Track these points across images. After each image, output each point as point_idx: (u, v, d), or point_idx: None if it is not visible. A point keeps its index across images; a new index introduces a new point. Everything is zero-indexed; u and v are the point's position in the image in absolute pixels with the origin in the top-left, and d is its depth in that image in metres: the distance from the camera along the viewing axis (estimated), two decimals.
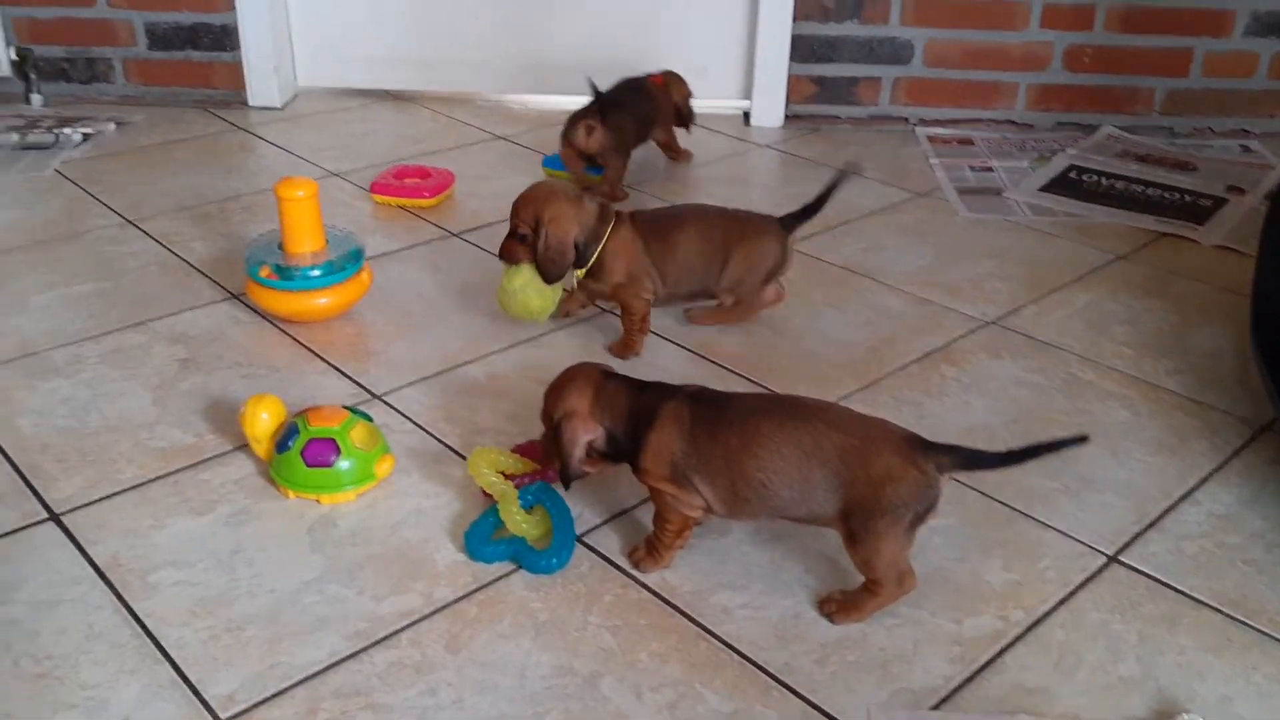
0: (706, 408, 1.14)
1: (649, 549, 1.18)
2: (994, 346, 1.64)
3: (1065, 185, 2.24)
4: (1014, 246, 1.98)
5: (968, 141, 2.48)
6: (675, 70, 2.26)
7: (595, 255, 1.54)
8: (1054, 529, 1.27)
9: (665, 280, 1.58)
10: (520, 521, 1.19)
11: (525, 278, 1.53)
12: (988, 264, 1.91)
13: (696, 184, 2.24)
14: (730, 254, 1.58)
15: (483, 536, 1.19)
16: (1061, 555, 1.23)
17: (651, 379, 1.21)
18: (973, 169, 2.33)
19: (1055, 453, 1.08)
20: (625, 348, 1.59)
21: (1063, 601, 1.16)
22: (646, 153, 2.36)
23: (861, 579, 1.12)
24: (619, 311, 1.62)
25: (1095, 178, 2.27)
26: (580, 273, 1.56)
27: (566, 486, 1.19)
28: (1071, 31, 2.45)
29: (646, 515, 1.25)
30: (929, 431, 1.41)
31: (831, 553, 1.21)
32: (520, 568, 1.18)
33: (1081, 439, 1.09)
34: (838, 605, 1.12)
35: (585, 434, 1.16)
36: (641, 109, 2.17)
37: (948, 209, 2.14)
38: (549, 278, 1.53)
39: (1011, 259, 1.93)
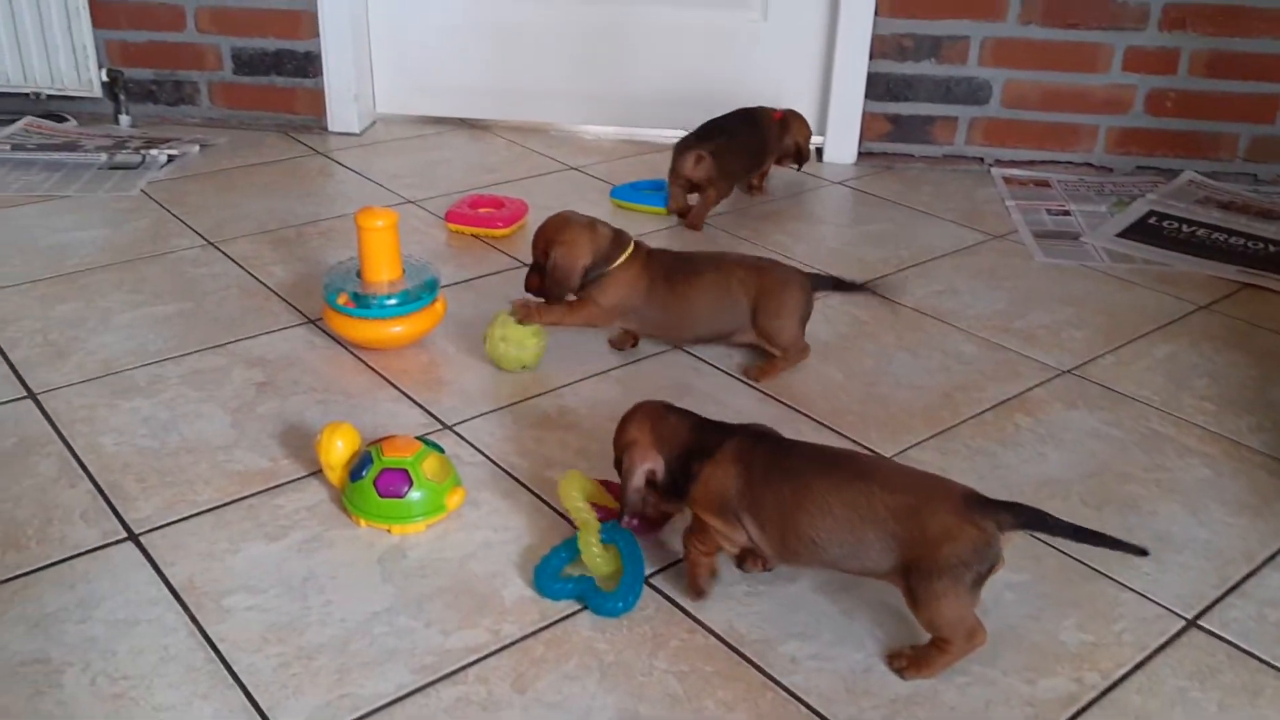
0: (765, 452, 1.14)
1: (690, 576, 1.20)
2: (1070, 396, 1.62)
3: (1145, 231, 2.20)
4: (1092, 293, 1.95)
5: (1044, 184, 2.46)
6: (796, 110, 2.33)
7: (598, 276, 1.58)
8: (1131, 589, 1.24)
9: (662, 320, 1.61)
10: (595, 554, 1.19)
11: (502, 328, 1.58)
12: (1064, 311, 1.88)
13: (768, 219, 2.23)
14: (755, 306, 1.60)
15: (552, 573, 1.19)
16: (1138, 617, 1.20)
17: (722, 418, 1.22)
18: (1049, 212, 2.30)
19: (1112, 549, 1.09)
20: (528, 316, 1.58)
21: (1139, 665, 1.14)
22: None
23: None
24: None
25: (1176, 224, 2.23)
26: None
27: (622, 516, 1.20)
28: (1155, 75, 2.42)
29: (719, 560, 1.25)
30: (1002, 483, 1.40)
31: (903, 605, 1.19)
32: (589, 608, 1.18)
33: (1142, 551, 1.10)
34: (908, 661, 1.11)
35: (644, 463, 1.18)
36: (753, 141, 2.22)
37: (1023, 253, 2.11)
38: (551, 296, 1.58)
39: (1089, 306, 1.90)
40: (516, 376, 1.62)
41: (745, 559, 1.23)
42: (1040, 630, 1.17)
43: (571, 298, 1.60)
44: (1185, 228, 2.22)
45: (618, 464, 1.22)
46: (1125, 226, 2.22)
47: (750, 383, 1.62)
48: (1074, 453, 1.48)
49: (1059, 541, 1.29)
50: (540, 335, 1.61)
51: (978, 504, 1.07)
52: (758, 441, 1.15)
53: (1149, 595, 1.23)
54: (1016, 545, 1.27)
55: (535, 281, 1.60)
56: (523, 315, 1.58)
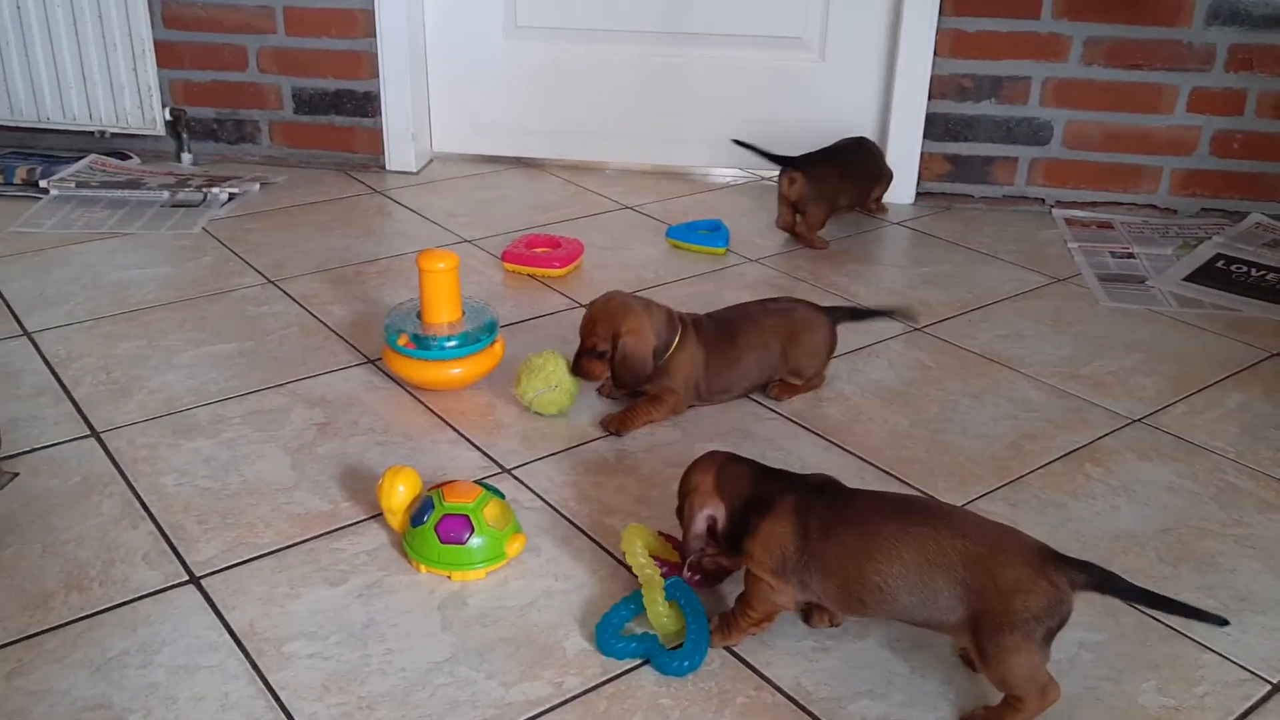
0: (827, 503, 1.11)
1: (724, 624, 1.17)
2: (1142, 447, 1.57)
3: (1212, 275, 2.16)
4: (1160, 339, 1.90)
5: (1107, 225, 2.41)
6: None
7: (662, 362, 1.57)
8: (1213, 650, 1.20)
9: (718, 386, 1.62)
10: (662, 613, 1.17)
11: (545, 381, 1.57)
12: (1132, 357, 1.84)
13: (826, 260, 2.21)
14: (785, 348, 1.63)
15: (614, 630, 1.17)
16: (1221, 681, 1.16)
17: (784, 465, 1.19)
18: (1113, 255, 2.26)
19: (1189, 617, 1.05)
20: (623, 424, 1.57)
21: None
22: (768, 222, 2.34)
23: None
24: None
25: (1245, 268, 2.18)
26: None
27: (683, 564, 1.19)
28: (1221, 116, 2.38)
29: (784, 615, 1.22)
30: (1075, 536, 1.36)
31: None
32: (653, 666, 1.15)
33: (1222, 621, 1.05)
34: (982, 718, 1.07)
35: (704, 508, 1.16)
36: (856, 165, 2.33)
37: (1088, 296, 2.08)
38: (625, 385, 1.57)
39: (1157, 352, 1.85)
40: (571, 419, 1.60)
41: (811, 613, 1.20)
42: (1119, 693, 1.13)
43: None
44: (1255, 271, 2.17)
45: (679, 511, 1.20)
46: (1192, 270, 2.18)
47: (813, 429, 1.60)
48: (1148, 506, 1.44)
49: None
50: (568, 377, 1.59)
51: (1051, 558, 1.04)
52: (816, 493, 1.13)
53: (1231, 658, 1.19)
54: (1094, 604, 1.24)
55: (598, 370, 1.57)
56: (618, 426, 1.57)
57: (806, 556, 1.09)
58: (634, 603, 1.19)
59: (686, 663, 1.13)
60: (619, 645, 1.15)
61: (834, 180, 2.25)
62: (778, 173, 2.26)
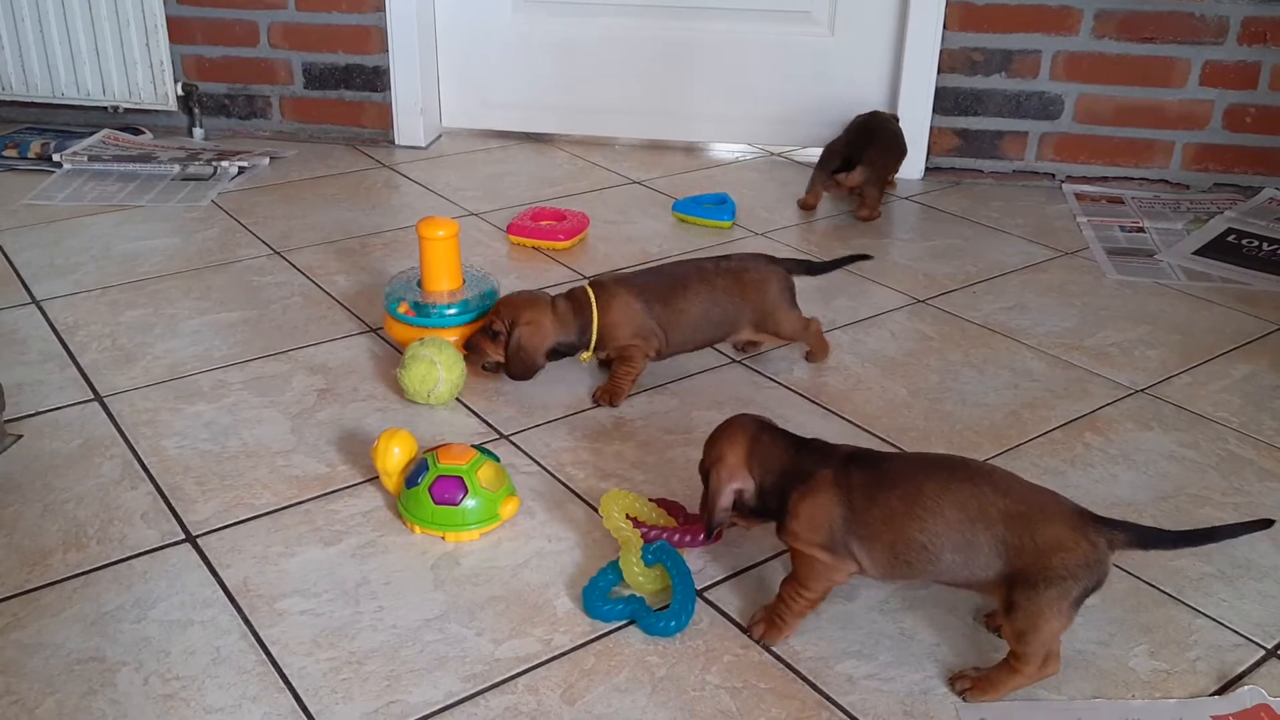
0: (864, 470, 1.09)
1: (771, 617, 1.14)
2: (1143, 417, 1.56)
3: (1223, 249, 2.14)
4: (1166, 312, 1.89)
5: (1117, 200, 2.39)
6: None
7: (594, 334, 1.55)
8: (1206, 616, 1.19)
9: (670, 340, 1.59)
10: (637, 574, 1.17)
11: (436, 376, 1.52)
12: (1138, 329, 1.82)
13: (834, 235, 2.20)
14: (742, 306, 1.59)
15: (600, 594, 1.17)
16: (1214, 645, 1.15)
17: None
18: (1123, 229, 2.24)
19: (1236, 537, 1.03)
20: (613, 394, 1.57)
21: (1215, 695, 1.09)
22: (780, 197, 2.34)
23: (997, 658, 1.07)
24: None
25: (1256, 242, 2.16)
26: (586, 355, 1.58)
27: (708, 535, 1.16)
28: (1234, 90, 2.35)
29: (771, 574, 1.22)
30: None
31: (966, 626, 1.15)
32: (640, 627, 1.15)
33: (1267, 522, 1.04)
34: (973, 682, 1.07)
35: (733, 483, 1.13)
36: (894, 141, 2.35)
37: (1095, 269, 2.06)
38: (514, 376, 1.56)
39: (1163, 325, 1.84)
40: (571, 387, 1.61)
41: None
42: (1109, 656, 1.13)
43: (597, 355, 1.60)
44: (1266, 246, 2.15)
45: (703, 473, 1.17)
46: (1203, 244, 2.16)
47: (813, 398, 1.59)
48: (1147, 474, 1.43)
49: (1131, 564, 1.25)
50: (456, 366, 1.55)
51: (1091, 519, 1.03)
52: (852, 462, 1.10)
53: (1225, 622, 1.18)
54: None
55: (485, 347, 1.56)
56: (610, 397, 1.57)
57: (853, 525, 1.07)
58: (618, 568, 1.20)
59: (673, 623, 1.13)
60: (604, 608, 1.16)
61: (881, 159, 2.28)
62: (821, 156, 2.28)
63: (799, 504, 1.09)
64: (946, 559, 1.04)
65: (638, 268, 1.69)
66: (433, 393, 1.52)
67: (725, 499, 1.13)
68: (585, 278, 1.60)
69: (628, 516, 1.26)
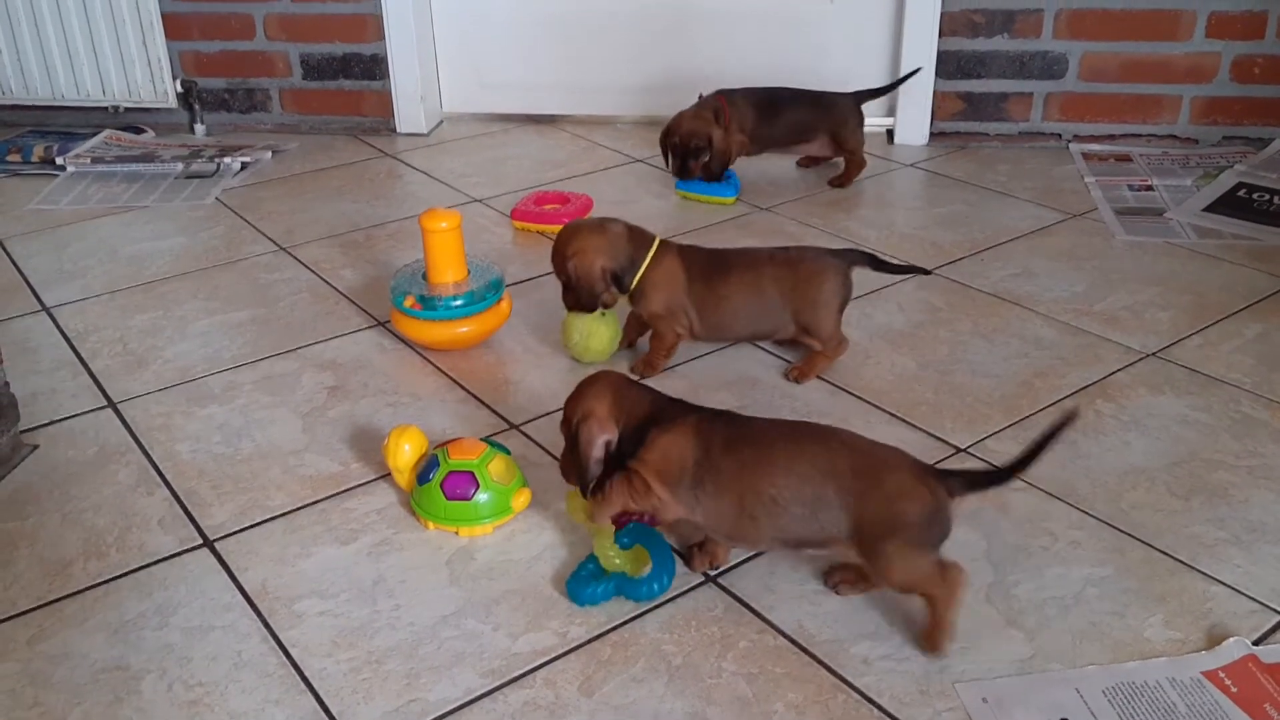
0: (726, 425, 1.15)
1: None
2: (1155, 381, 1.56)
3: (1233, 205, 2.12)
4: (1177, 272, 1.87)
5: (1126, 158, 2.37)
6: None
7: (636, 281, 1.56)
8: (1221, 583, 1.19)
9: (705, 324, 1.58)
10: (613, 556, 1.19)
11: (581, 330, 1.60)
12: (1148, 291, 1.81)
13: (838, 205, 2.19)
14: (789, 300, 1.56)
15: (582, 581, 1.18)
16: (1230, 612, 1.15)
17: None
18: (1131, 188, 2.22)
19: (1054, 440, 1.07)
20: (647, 366, 1.60)
21: (1203, 651, 1.09)
22: (784, 171, 2.33)
23: (1007, 632, 1.08)
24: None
25: (1267, 196, 2.14)
26: (624, 296, 1.59)
27: (584, 491, 1.18)
28: (1240, 41, 2.32)
29: (782, 558, 1.23)
30: (1084, 474, 1.36)
31: (976, 604, 1.16)
32: (627, 599, 1.17)
33: (1071, 417, 1.12)
34: (922, 634, 1.11)
35: (602, 434, 1.16)
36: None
37: (1104, 231, 2.04)
38: (583, 307, 1.57)
39: (1174, 285, 1.83)
40: (579, 374, 1.59)
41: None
42: (1125, 627, 1.13)
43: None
44: (1277, 199, 2.13)
45: (564, 429, 1.20)
46: (1212, 200, 2.14)
47: (821, 376, 1.59)
48: (1160, 440, 1.43)
49: (1143, 533, 1.25)
50: (609, 324, 1.61)
51: (930, 470, 1.10)
52: (717, 418, 1.16)
53: (1241, 589, 1.18)
54: (1101, 539, 1.23)
55: (571, 299, 1.58)
56: (644, 370, 1.60)
57: (704, 472, 1.12)
58: (592, 560, 1.21)
59: (655, 585, 1.16)
60: (588, 591, 1.17)
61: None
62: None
63: (658, 437, 1.14)
64: (794, 511, 1.09)
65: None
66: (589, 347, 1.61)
67: (597, 450, 1.16)
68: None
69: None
